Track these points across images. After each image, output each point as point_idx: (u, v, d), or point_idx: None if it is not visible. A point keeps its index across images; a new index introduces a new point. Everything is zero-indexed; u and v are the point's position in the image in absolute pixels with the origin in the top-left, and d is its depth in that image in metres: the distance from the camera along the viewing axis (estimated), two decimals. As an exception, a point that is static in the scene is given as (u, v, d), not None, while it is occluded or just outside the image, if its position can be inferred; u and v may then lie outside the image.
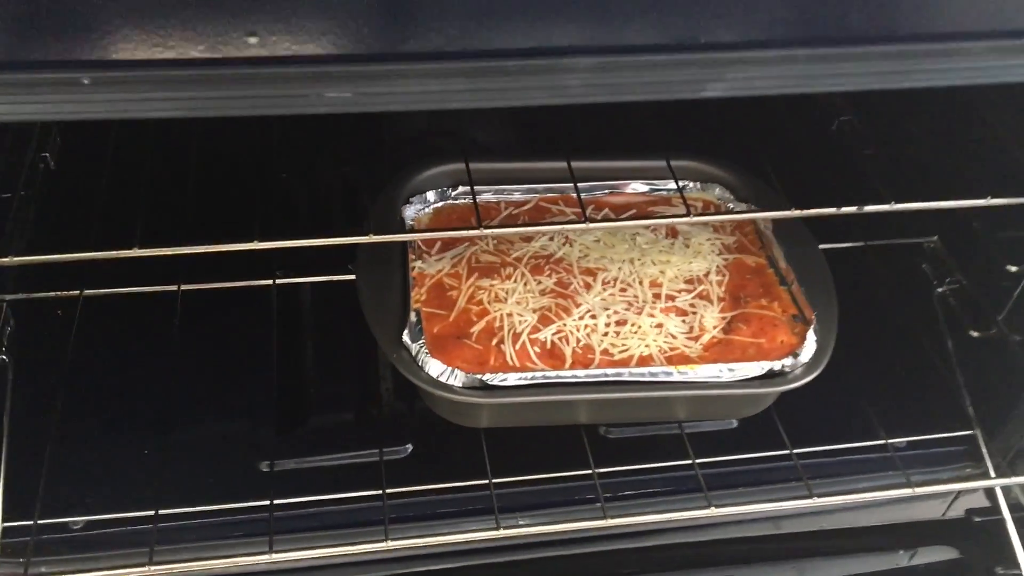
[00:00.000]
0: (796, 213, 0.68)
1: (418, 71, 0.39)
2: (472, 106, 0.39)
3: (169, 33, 0.39)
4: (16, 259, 0.65)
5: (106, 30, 0.39)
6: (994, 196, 0.66)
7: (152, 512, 0.68)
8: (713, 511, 0.70)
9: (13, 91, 0.41)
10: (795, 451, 0.73)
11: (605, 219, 0.79)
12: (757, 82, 0.42)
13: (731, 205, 0.81)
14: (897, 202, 0.66)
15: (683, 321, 0.72)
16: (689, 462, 0.72)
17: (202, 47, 0.39)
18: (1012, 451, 0.75)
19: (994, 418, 0.76)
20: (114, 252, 0.61)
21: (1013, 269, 0.72)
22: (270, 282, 0.79)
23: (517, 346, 0.70)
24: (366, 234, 0.67)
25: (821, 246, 0.78)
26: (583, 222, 0.69)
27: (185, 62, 0.40)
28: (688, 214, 0.72)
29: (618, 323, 0.72)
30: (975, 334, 0.76)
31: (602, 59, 0.40)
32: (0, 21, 0.39)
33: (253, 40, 0.39)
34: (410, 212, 0.79)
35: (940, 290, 0.82)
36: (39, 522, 0.66)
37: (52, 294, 0.76)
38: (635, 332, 0.71)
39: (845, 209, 0.65)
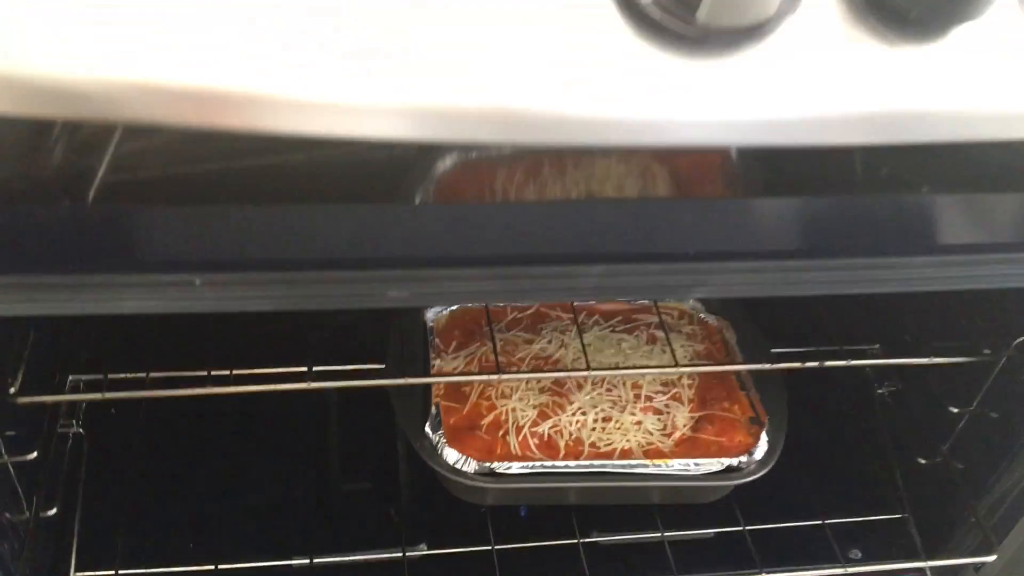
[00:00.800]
0: (768, 367, 0.84)
1: (462, 275, 0.53)
2: (504, 301, 0.51)
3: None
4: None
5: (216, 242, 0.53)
6: (936, 356, 0.82)
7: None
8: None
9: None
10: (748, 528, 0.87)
11: (596, 324, 0.94)
12: (735, 288, 0.56)
13: (702, 315, 0.96)
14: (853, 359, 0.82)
15: (659, 419, 0.86)
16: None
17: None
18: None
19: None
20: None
21: (955, 410, 0.85)
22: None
23: (520, 437, 0.84)
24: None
25: (775, 350, 0.92)
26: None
27: (275, 263, 0.54)
28: (661, 323, 0.88)
29: (604, 419, 0.86)
30: (923, 461, 0.89)
31: (608, 267, 0.52)
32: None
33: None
34: (430, 315, 0.93)
35: (880, 391, 0.97)
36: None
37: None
38: (618, 428, 0.85)
39: (808, 364, 0.81)
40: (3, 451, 0.72)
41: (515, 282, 0.53)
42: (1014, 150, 0.49)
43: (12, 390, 0.73)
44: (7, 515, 0.74)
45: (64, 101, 0.40)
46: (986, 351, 0.80)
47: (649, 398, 0.88)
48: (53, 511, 0.82)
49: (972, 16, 0.41)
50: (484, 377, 0.86)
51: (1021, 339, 0.77)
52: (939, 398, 0.87)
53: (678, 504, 0.89)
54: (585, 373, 0.85)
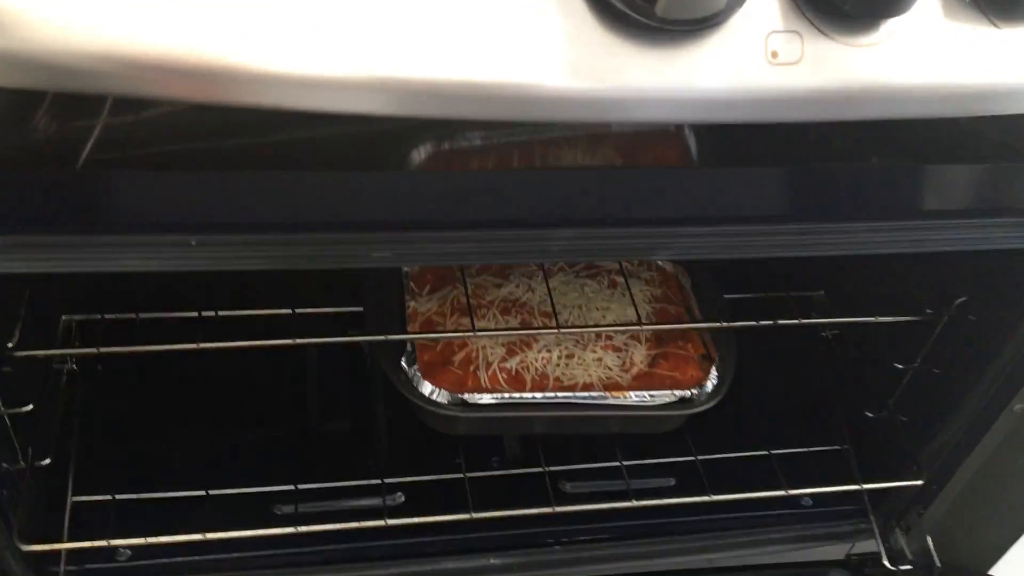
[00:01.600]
0: (725, 325, 0.90)
1: (441, 238, 0.58)
2: (479, 262, 0.56)
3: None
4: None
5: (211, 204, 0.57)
6: (881, 315, 0.88)
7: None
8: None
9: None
10: (699, 458, 0.95)
11: (560, 270, 0.99)
12: (693, 251, 0.61)
13: (659, 263, 1.02)
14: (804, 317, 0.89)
15: (618, 356, 0.93)
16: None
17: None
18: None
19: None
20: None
21: (900, 366, 0.91)
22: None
23: (489, 372, 0.90)
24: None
25: (726, 295, 0.99)
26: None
27: (268, 226, 0.58)
28: (621, 269, 0.94)
29: (567, 356, 0.92)
30: (869, 415, 0.96)
31: (577, 230, 0.57)
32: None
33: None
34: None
35: (824, 334, 1.04)
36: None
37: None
38: (580, 364, 0.92)
39: (763, 323, 0.88)
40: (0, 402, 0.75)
41: (490, 244, 0.58)
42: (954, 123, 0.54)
43: (10, 344, 0.76)
44: (4, 464, 0.77)
45: (51, 74, 0.44)
46: (928, 311, 0.85)
47: (609, 337, 0.94)
48: (49, 453, 0.86)
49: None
50: (460, 335, 0.91)
51: (961, 300, 0.82)
52: (884, 353, 0.93)
53: (635, 434, 0.96)
54: (555, 331, 0.91)
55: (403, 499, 0.92)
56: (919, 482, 0.91)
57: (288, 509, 0.89)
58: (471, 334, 0.89)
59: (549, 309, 0.95)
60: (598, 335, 0.94)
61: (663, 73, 0.46)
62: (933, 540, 0.92)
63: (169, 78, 0.45)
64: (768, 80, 0.47)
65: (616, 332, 0.94)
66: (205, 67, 0.44)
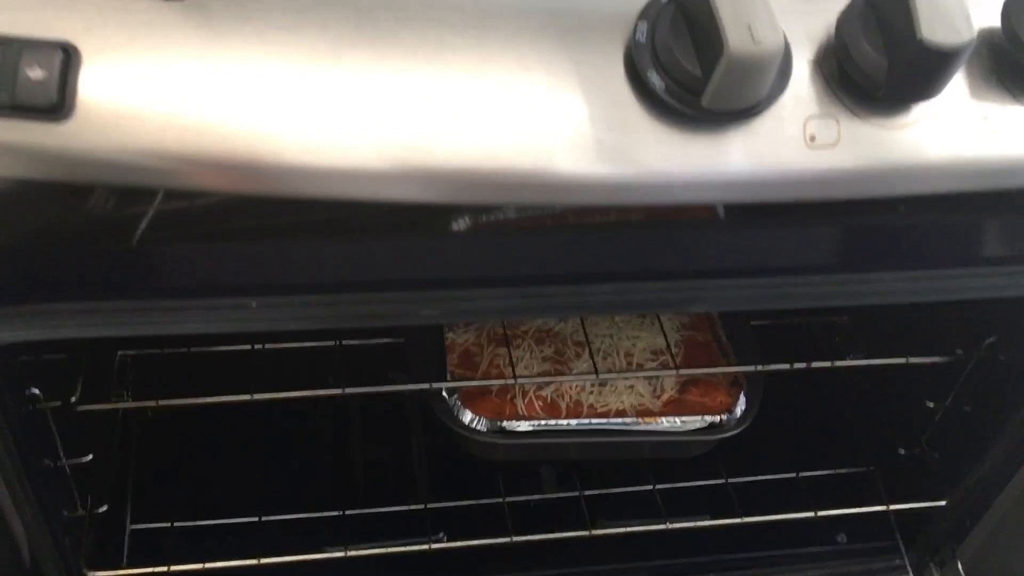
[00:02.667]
0: (760, 369, 0.93)
1: (486, 295, 0.61)
2: (523, 316, 0.58)
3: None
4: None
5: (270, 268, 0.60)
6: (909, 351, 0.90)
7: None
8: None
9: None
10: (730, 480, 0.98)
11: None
12: (729, 302, 0.63)
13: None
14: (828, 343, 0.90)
15: (649, 383, 0.96)
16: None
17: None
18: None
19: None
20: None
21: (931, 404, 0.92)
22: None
23: (526, 400, 0.94)
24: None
25: (753, 322, 1.02)
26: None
27: (323, 286, 0.61)
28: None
29: (600, 384, 0.95)
30: (902, 451, 0.97)
31: (618, 285, 0.59)
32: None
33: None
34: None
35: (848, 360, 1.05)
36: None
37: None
38: (613, 391, 0.95)
39: (797, 365, 0.89)
40: (62, 455, 0.76)
41: (533, 300, 0.61)
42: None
43: (73, 399, 0.78)
44: (65, 512, 0.78)
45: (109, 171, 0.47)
46: (958, 351, 0.87)
47: (640, 365, 0.97)
48: (106, 499, 0.89)
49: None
50: (500, 382, 0.94)
51: (990, 340, 0.84)
52: (914, 390, 0.94)
53: (667, 458, 0.99)
54: (592, 377, 0.94)
55: (445, 539, 0.95)
56: (942, 502, 0.93)
57: (335, 534, 0.93)
58: (512, 381, 0.93)
59: (582, 338, 0.98)
60: (629, 363, 0.97)
61: (706, 158, 0.49)
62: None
63: (220, 175, 0.48)
64: (807, 163, 0.50)
65: (647, 361, 0.97)
66: (252, 163, 0.47)
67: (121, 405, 0.93)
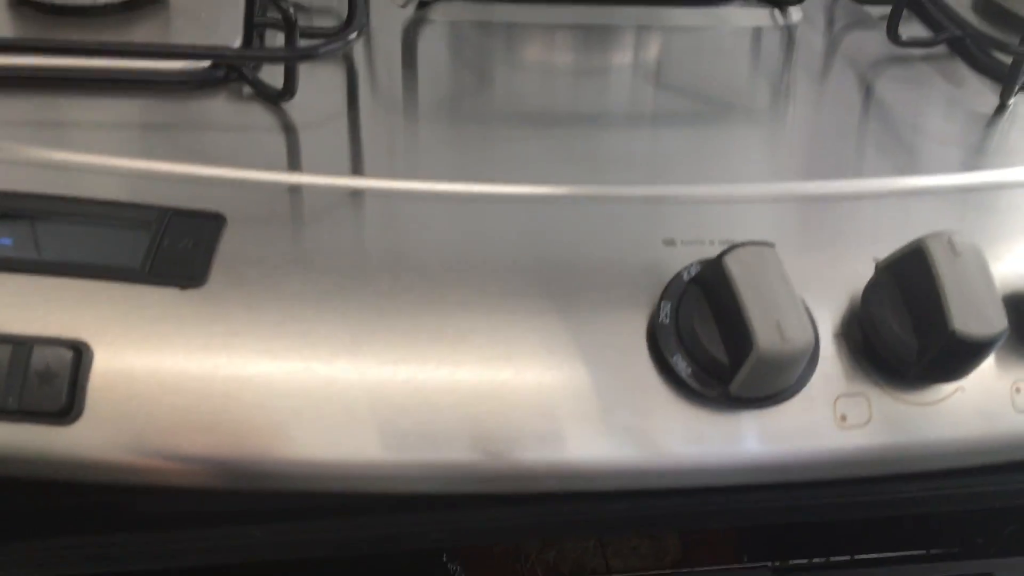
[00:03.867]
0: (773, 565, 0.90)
1: (495, 516, 0.59)
2: (535, 537, 0.56)
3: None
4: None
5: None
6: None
7: None
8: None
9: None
10: None
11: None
12: (746, 518, 0.61)
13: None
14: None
15: (653, 544, 0.95)
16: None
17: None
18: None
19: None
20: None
21: None
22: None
23: (528, 565, 0.92)
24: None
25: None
26: None
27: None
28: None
29: (603, 545, 0.94)
30: None
31: (631, 503, 0.57)
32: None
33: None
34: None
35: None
36: None
37: None
38: (616, 554, 0.93)
39: (815, 560, 0.85)
40: None
41: (545, 518, 0.58)
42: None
43: None
44: None
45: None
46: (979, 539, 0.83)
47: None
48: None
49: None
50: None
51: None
52: None
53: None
54: (594, 540, 0.91)
55: None
56: None
57: None
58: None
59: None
60: (633, 522, 0.95)
61: (735, 442, 0.48)
62: None
63: (231, 475, 0.46)
64: (839, 443, 0.48)
65: (651, 519, 0.96)
66: (265, 461, 0.45)
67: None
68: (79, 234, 0.48)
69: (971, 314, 0.46)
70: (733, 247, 0.46)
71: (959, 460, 0.51)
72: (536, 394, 0.47)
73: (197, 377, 0.44)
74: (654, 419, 0.47)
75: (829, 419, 0.48)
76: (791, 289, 0.45)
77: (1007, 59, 0.68)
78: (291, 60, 0.56)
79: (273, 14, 0.61)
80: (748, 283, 0.45)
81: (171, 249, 0.47)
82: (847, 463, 0.49)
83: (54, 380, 0.43)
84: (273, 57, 0.60)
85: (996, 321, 0.46)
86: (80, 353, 0.44)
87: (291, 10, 0.56)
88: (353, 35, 0.58)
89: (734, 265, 0.45)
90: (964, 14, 0.75)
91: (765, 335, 0.44)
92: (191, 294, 0.46)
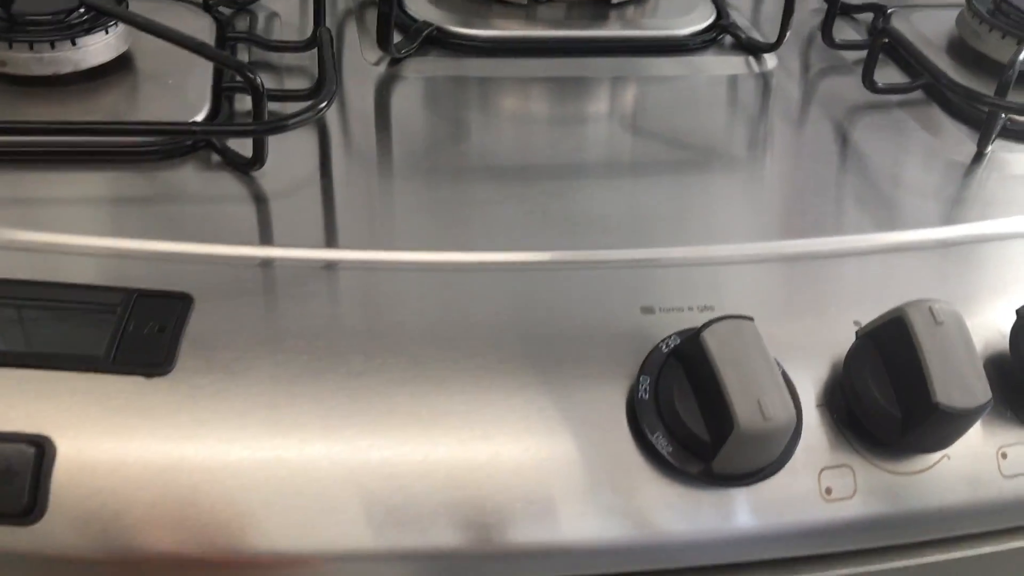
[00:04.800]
0: None
1: None
2: None
3: None
4: None
5: None
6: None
7: None
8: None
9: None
10: None
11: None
12: None
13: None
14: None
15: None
16: None
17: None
18: None
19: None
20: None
21: None
22: None
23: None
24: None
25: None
26: None
27: None
28: None
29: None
30: None
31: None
32: None
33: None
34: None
35: None
36: None
37: None
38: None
39: None
40: None
41: None
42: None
43: None
44: None
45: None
46: None
47: None
48: None
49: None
50: None
51: None
52: None
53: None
54: None
55: None
56: None
57: None
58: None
59: None
60: None
61: (719, 519, 0.47)
62: None
63: (201, 568, 0.44)
64: (824, 516, 0.48)
65: None
66: (236, 554, 0.44)
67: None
68: (42, 321, 0.47)
69: (954, 386, 0.45)
70: (711, 322, 0.45)
71: (947, 529, 0.50)
72: (515, 475, 0.46)
73: (163, 469, 0.43)
74: (637, 497, 0.46)
75: (814, 492, 0.47)
76: (771, 364, 0.44)
77: (983, 107, 0.68)
78: (259, 134, 0.55)
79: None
80: (727, 359, 0.44)
81: (136, 334, 0.46)
82: (835, 537, 0.48)
83: (15, 479, 0.42)
84: (241, 131, 0.59)
85: (980, 393, 0.45)
86: (43, 449, 0.42)
87: (258, 80, 0.55)
88: (323, 104, 0.57)
89: (712, 341, 0.45)
90: (939, 58, 0.75)
91: (746, 414, 0.43)
92: (157, 382, 0.44)
